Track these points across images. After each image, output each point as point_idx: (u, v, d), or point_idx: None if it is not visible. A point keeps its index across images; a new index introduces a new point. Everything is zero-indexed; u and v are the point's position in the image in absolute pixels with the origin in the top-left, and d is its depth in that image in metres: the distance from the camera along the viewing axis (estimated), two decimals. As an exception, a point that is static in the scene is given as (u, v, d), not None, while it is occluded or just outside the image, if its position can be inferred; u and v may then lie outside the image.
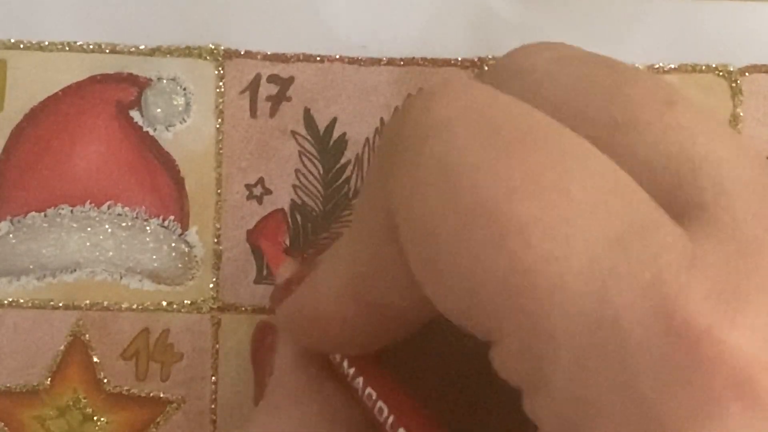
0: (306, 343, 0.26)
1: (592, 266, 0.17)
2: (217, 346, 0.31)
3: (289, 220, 0.32)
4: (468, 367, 0.23)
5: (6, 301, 0.31)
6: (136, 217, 0.31)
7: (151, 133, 0.32)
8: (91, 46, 0.32)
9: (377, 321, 0.22)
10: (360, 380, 0.24)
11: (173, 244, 0.31)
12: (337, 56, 0.32)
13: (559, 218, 0.17)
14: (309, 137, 0.32)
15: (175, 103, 0.32)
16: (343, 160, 0.32)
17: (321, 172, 0.32)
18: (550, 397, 0.18)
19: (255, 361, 0.31)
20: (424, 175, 0.19)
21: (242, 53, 0.32)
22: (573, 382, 0.17)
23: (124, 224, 0.31)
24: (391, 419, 0.23)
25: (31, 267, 0.31)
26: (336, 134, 0.32)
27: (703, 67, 0.32)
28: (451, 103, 0.19)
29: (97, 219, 0.31)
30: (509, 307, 0.18)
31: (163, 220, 0.31)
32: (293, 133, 0.32)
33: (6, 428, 0.31)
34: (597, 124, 0.19)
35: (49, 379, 0.31)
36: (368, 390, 0.24)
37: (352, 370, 0.24)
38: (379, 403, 0.23)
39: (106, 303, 0.31)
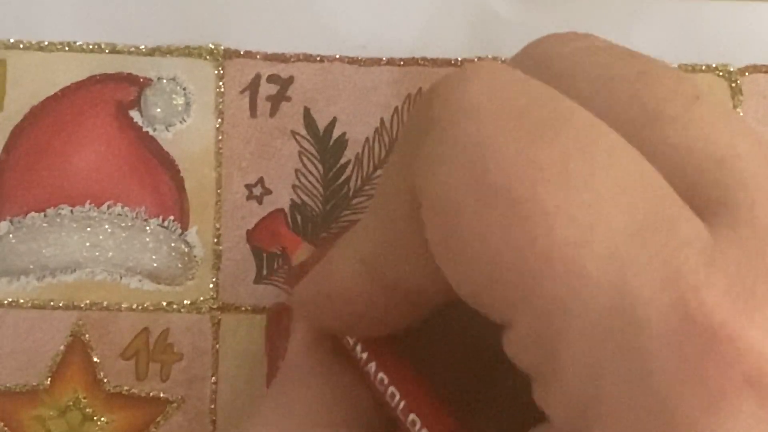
0: (320, 324, 0.26)
1: (612, 256, 0.17)
2: (217, 346, 0.31)
3: (289, 220, 0.32)
4: (481, 353, 0.23)
5: (6, 301, 0.31)
6: (136, 217, 0.31)
7: (151, 133, 0.32)
8: (90, 46, 0.32)
9: (393, 301, 0.22)
10: (373, 365, 0.24)
11: (173, 244, 0.31)
12: (337, 56, 0.32)
13: (583, 206, 0.17)
14: (309, 137, 0.32)
15: (175, 103, 0.32)
16: (343, 160, 0.32)
17: (321, 172, 0.32)
18: (561, 385, 0.18)
19: (269, 344, 0.31)
20: (450, 155, 0.19)
21: (242, 53, 0.32)
22: (585, 371, 0.17)
23: (123, 224, 0.31)
24: (402, 404, 0.23)
25: (31, 267, 0.31)
26: (336, 134, 0.32)
27: (703, 67, 0.32)
28: (482, 86, 0.19)
29: (97, 219, 0.31)
30: (526, 290, 0.18)
31: (163, 220, 0.31)
32: (293, 133, 0.32)
33: (6, 428, 0.31)
34: (622, 116, 0.19)
35: (49, 379, 0.31)
36: (380, 375, 0.24)
37: (365, 355, 0.24)
38: (391, 388, 0.23)
39: (105, 303, 0.31)
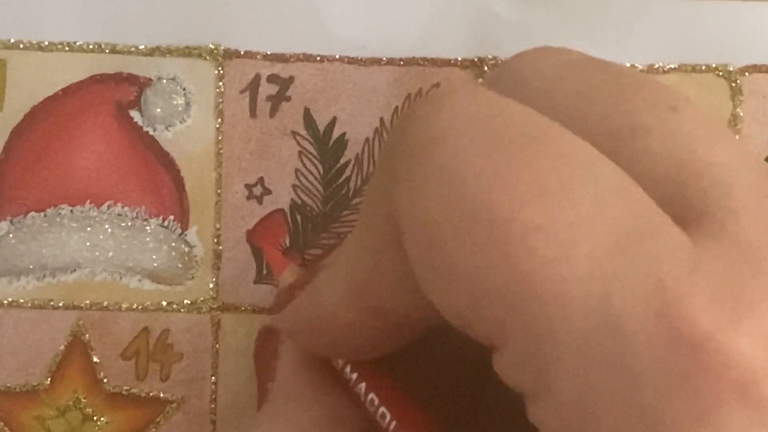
0: (308, 348, 0.26)
1: (595, 271, 0.17)
2: (217, 346, 0.31)
3: (289, 220, 0.32)
4: (470, 373, 0.23)
5: (6, 301, 0.31)
6: (136, 217, 0.31)
7: (151, 133, 0.32)
8: (90, 46, 0.32)
9: (380, 327, 0.22)
10: (363, 386, 0.24)
11: (173, 244, 0.31)
12: (337, 56, 0.32)
13: (562, 223, 0.17)
14: (309, 137, 0.32)
15: (175, 103, 0.32)
16: (343, 160, 0.32)
17: (321, 172, 0.32)
18: (552, 403, 0.18)
19: (258, 367, 0.31)
20: (428, 182, 0.19)
21: (242, 53, 0.32)
22: (575, 388, 0.17)
23: (123, 224, 0.31)
24: (393, 424, 0.23)
25: (30, 267, 0.31)
26: (336, 134, 0.32)
27: (703, 67, 0.32)
28: (455, 110, 0.19)
29: (97, 219, 0.31)
30: (512, 312, 0.18)
31: (163, 220, 0.31)
32: (293, 133, 0.32)
33: (6, 428, 0.31)
34: (600, 130, 0.19)
35: (49, 379, 0.31)
36: (371, 395, 0.24)
37: (354, 376, 0.24)
38: (382, 409, 0.23)
39: (105, 303, 0.31)
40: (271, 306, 0.29)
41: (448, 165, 0.18)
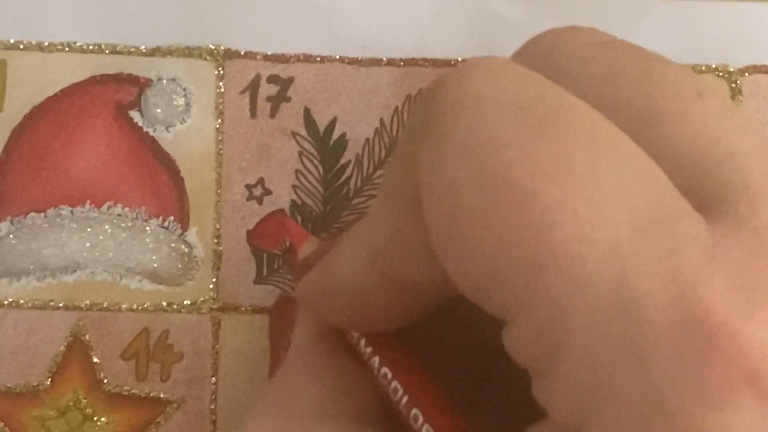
0: (325, 318, 0.25)
1: (614, 251, 0.17)
2: (217, 346, 0.31)
3: (289, 220, 0.32)
4: (484, 349, 0.23)
5: (6, 302, 0.31)
6: (136, 218, 0.31)
7: (151, 133, 0.32)
8: (91, 47, 0.32)
9: (397, 297, 0.22)
10: (376, 359, 0.24)
11: (173, 245, 0.31)
12: (337, 56, 0.32)
13: (585, 201, 0.17)
14: (309, 137, 0.32)
15: (175, 103, 0.32)
16: (343, 161, 0.32)
17: (321, 172, 0.32)
18: (561, 381, 0.18)
19: (272, 335, 0.31)
20: (453, 149, 0.19)
21: (242, 53, 0.32)
22: (585, 366, 0.17)
23: (123, 225, 0.31)
24: (405, 399, 0.23)
25: (31, 267, 0.31)
26: (336, 134, 0.32)
27: (703, 67, 0.32)
28: (485, 80, 0.19)
29: (97, 219, 0.31)
30: (528, 285, 0.18)
31: (163, 221, 0.31)
32: (293, 133, 0.32)
33: (6, 428, 0.31)
34: (624, 112, 0.19)
35: (49, 379, 0.31)
36: (384, 369, 0.24)
37: (368, 350, 0.24)
38: (394, 383, 0.23)
39: (106, 303, 0.31)
40: (292, 276, 0.28)
41: (472, 134, 0.18)
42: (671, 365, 0.16)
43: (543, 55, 0.21)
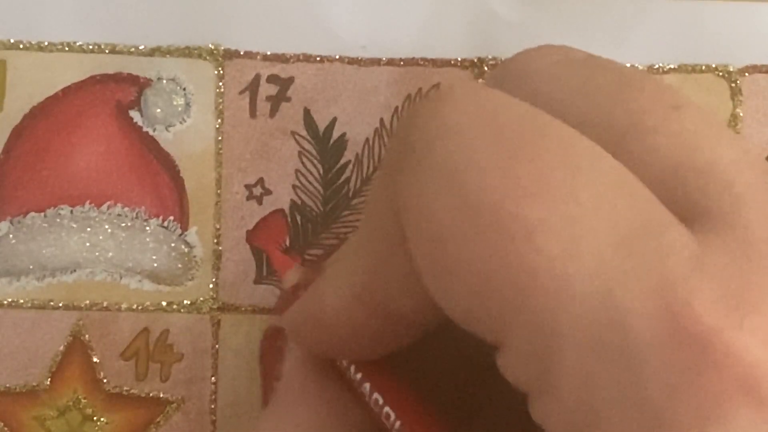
0: (313, 348, 0.25)
1: (599, 268, 0.17)
2: (217, 346, 0.31)
3: (289, 220, 0.32)
4: (475, 369, 0.23)
5: (6, 302, 0.31)
6: (136, 218, 0.31)
7: (151, 133, 0.32)
8: (90, 47, 0.32)
9: (384, 325, 0.22)
10: (367, 386, 0.24)
11: (173, 245, 0.31)
12: (337, 56, 0.32)
13: (566, 219, 0.17)
14: (309, 137, 0.32)
15: (175, 103, 0.32)
16: (342, 161, 0.32)
17: (321, 172, 0.32)
18: (556, 401, 0.18)
19: (263, 366, 0.31)
20: (431, 178, 0.19)
21: (242, 53, 0.32)
22: (579, 385, 0.17)
23: (123, 224, 0.31)
24: (398, 424, 0.23)
25: (30, 267, 0.31)
26: (336, 134, 0.32)
27: (703, 67, 0.32)
28: (459, 107, 0.19)
29: (97, 219, 0.31)
30: (516, 308, 0.18)
31: (163, 221, 0.31)
32: (293, 133, 0.32)
33: (6, 428, 0.31)
34: (603, 129, 0.19)
35: (49, 379, 0.31)
36: (375, 395, 0.24)
37: (358, 376, 0.24)
38: (386, 409, 0.23)
39: (105, 303, 0.31)
40: (275, 306, 0.28)
41: (451, 161, 0.18)
42: (663, 378, 0.16)
43: (517, 76, 0.21)
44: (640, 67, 0.32)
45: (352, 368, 0.25)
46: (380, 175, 0.22)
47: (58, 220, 0.31)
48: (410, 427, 0.23)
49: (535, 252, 0.17)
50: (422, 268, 0.19)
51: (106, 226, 0.31)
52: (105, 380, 0.31)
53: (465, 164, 0.18)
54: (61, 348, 0.31)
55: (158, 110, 0.32)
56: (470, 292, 0.18)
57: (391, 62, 0.32)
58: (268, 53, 0.32)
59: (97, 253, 0.31)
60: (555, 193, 0.18)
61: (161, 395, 0.31)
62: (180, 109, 0.32)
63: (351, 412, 0.25)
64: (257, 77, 0.32)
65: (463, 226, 0.18)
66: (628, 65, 0.32)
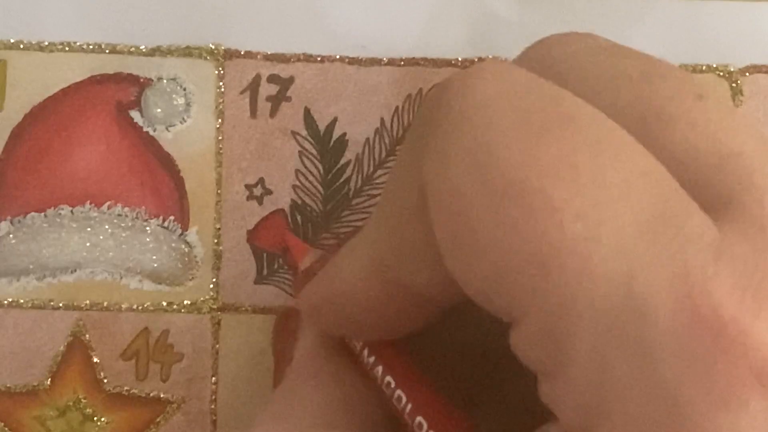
0: (327, 328, 0.25)
1: (621, 251, 0.17)
2: (217, 346, 0.31)
3: (290, 220, 0.32)
4: (487, 354, 0.23)
5: (6, 302, 0.31)
6: (136, 218, 0.31)
7: (151, 133, 0.32)
8: (91, 46, 0.32)
9: (401, 304, 0.22)
10: (379, 368, 0.24)
11: (173, 245, 0.31)
12: (338, 56, 0.32)
13: (591, 201, 0.18)
14: (309, 137, 0.32)
15: (175, 103, 0.32)
16: (343, 161, 0.32)
17: (321, 172, 0.32)
18: (568, 382, 0.18)
19: (276, 347, 0.31)
20: (458, 152, 0.19)
21: (242, 53, 0.32)
22: (593, 366, 0.17)
23: (124, 224, 0.31)
24: (409, 407, 0.23)
25: (31, 267, 0.31)
26: (336, 134, 0.32)
27: (703, 67, 0.32)
28: (490, 84, 0.19)
29: (97, 219, 0.31)
30: (535, 285, 0.18)
31: (163, 221, 0.31)
32: (293, 133, 0.32)
33: (6, 428, 0.31)
34: (626, 116, 0.19)
35: (49, 379, 0.31)
36: (387, 378, 0.24)
37: (372, 359, 0.24)
38: (398, 392, 0.23)
39: (106, 303, 0.31)
40: (292, 287, 0.28)
41: (478, 136, 0.19)
42: (680, 364, 0.16)
43: (542, 62, 0.22)
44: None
45: (366, 351, 0.25)
46: (405, 145, 0.22)
47: (59, 220, 0.31)
48: (420, 409, 0.23)
49: (559, 231, 0.17)
50: (442, 240, 0.19)
51: (107, 226, 0.31)
52: (105, 380, 0.31)
53: (492, 141, 0.18)
54: (62, 348, 0.31)
55: (158, 110, 0.32)
56: (490, 267, 0.18)
57: (391, 62, 0.32)
58: (269, 53, 0.32)
59: (97, 253, 0.31)
60: (581, 175, 0.18)
61: (161, 395, 0.31)
62: (180, 109, 0.32)
63: (362, 394, 0.25)
64: (258, 77, 0.32)
65: (487, 202, 0.18)
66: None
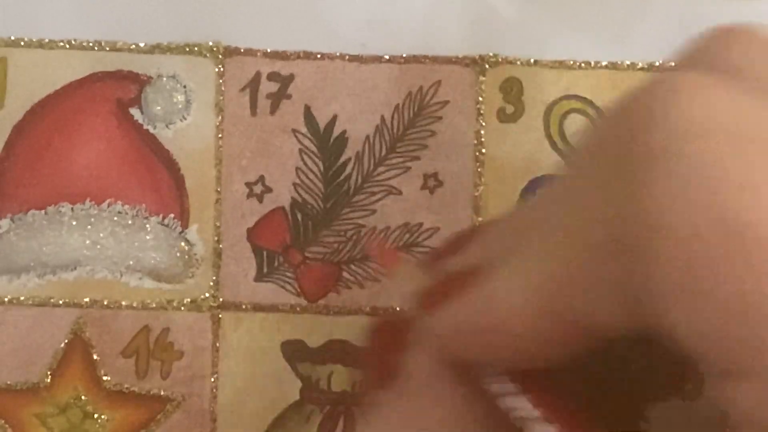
0: (463, 352, 0.23)
1: None
2: (218, 344, 0.31)
3: (290, 218, 0.32)
4: (626, 396, 0.22)
5: (6, 299, 0.31)
6: (137, 215, 0.31)
7: (151, 130, 0.32)
8: (91, 44, 0.32)
9: (565, 336, 0.21)
10: (519, 398, 0.22)
11: (173, 242, 0.31)
12: (338, 54, 0.32)
13: None
14: (309, 135, 0.32)
15: (175, 100, 0.32)
16: (343, 158, 0.32)
17: (321, 169, 0.32)
18: None
19: (375, 354, 0.28)
20: (690, 186, 0.17)
21: (242, 51, 0.32)
22: None
23: (124, 222, 0.31)
24: None
25: (31, 265, 0.31)
26: (336, 132, 0.32)
27: (704, 66, 0.32)
28: (702, 105, 0.18)
29: (98, 217, 0.31)
30: None
31: (163, 218, 0.31)
32: (293, 130, 0.32)
33: (7, 425, 0.31)
34: None
35: (50, 376, 0.31)
36: (532, 410, 0.22)
37: (509, 387, 0.22)
38: (546, 427, 0.21)
39: (106, 301, 0.31)
40: (420, 301, 0.26)
41: (706, 171, 0.17)
42: None
43: (724, 63, 0.20)
44: (641, 65, 0.32)
45: (504, 377, 0.22)
46: (585, 173, 0.20)
47: (59, 217, 0.31)
48: None
49: None
50: (663, 283, 0.18)
51: (107, 224, 0.31)
52: (105, 378, 0.31)
53: (721, 177, 0.17)
54: (62, 345, 0.31)
55: (158, 108, 0.32)
56: (725, 315, 0.17)
57: (391, 59, 0.32)
58: (269, 50, 0.32)
59: (97, 251, 0.31)
60: None
61: (162, 393, 0.31)
62: (180, 106, 0.32)
63: (483, 418, 0.23)
64: (258, 75, 0.32)
65: (727, 246, 0.17)
66: (628, 63, 0.32)
